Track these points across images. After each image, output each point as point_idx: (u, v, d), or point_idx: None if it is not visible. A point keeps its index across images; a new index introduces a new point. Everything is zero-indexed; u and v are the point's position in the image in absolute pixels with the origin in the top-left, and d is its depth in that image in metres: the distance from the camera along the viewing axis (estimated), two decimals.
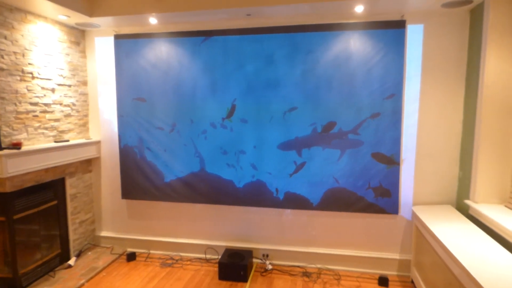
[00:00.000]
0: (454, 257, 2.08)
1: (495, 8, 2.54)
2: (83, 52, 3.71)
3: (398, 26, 3.01)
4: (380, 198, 3.19)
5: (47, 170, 3.20)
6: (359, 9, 2.95)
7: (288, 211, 3.47)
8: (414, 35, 3.05)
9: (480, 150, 2.68)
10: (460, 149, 3.08)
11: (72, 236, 3.59)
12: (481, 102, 2.66)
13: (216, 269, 3.44)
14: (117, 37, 3.55)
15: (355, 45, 3.09)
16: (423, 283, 2.76)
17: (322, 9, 2.96)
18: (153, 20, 3.31)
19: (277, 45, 3.24)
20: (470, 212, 2.76)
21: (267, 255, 3.54)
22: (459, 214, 2.83)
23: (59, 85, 3.38)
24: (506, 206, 2.62)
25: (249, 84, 3.34)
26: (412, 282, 3.13)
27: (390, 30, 3.02)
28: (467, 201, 2.79)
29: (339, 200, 3.27)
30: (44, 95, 3.20)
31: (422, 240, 2.81)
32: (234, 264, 3.20)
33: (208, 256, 3.69)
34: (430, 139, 3.12)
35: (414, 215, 3.02)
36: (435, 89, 3.07)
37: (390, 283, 3.15)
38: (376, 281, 3.18)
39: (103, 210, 3.91)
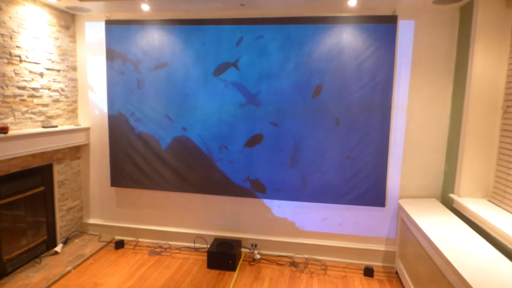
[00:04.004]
0: (438, 249, 2.13)
1: (484, 6, 2.58)
2: (73, 37, 3.64)
3: (390, 21, 3.04)
4: (368, 191, 3.24)
5: (34, 155, 3.16)
6: (352, 2, 2.97)
7: (277, 202, 3.50)
8: (405, 30, 3.09)
9: (465, 145, 2.74)
10: (446, 144, 3.15)
11: (59, 223, 3.56)
12: (468, 98, 2.72)
13: (205, 258, 3.46)
14: (108, 23, 3.49)
15: (347, 39, 3.11)
16: (407, 274, 2.83)
17: (315, 1, 2.97)
18: (145, 7, 3.27)
19: (271, 37, 3.24)
20: (455, 205, 2.83)
21: (256, 245, 3.58)
22: (443, 208, 2.90)
23: (48, 69, 3.32)
24: (489, 200, 2.69)
25: (242, 75, 3.33)
26: (396, 273, 3.21)
27: (382, 25, 3.05)
28: (452, 195, 2.86)
29: (328, 192, 3.31)
30: (32, 79, 3.14)
31: (407, 233, 2.88)
32: (223, 253, 3.22)
33: (197, 245, 3.71)
34: (418, 134, 3.18)
35: (400, 208, 3.08)
36: (424, 84, 3.12)
37: (375, 273, 3.22)
38: (362, 272, 3.25)
39: (91, 198, 3.88)
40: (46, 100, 3.31)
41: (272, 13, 3.26)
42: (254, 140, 3.39)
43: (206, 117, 3.44)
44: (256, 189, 3.44)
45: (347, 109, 3.19)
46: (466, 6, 2.85)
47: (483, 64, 2.63)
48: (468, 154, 2.74)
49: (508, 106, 2.52)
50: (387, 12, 3.08)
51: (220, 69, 3.36)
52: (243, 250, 3.60)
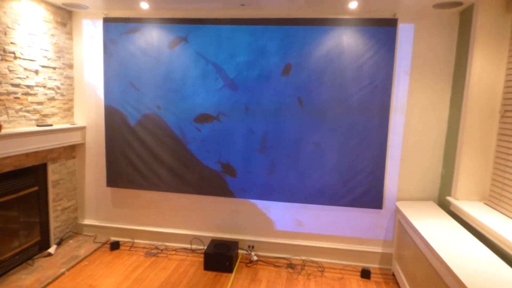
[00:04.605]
0: (435, 251, 2.15)
1: (484, 11, 2.61)
2: (69, 34, 3.57)
3: (390, 24, 3.05)
4: (366, 193, 3.25)
5: (28, 154, 3.09)
6: (353, 5, 2.97)
7: (274, 203, 3.49)
8: (405, 34, 3.11)
9: (463, 148, 2.77)
10: (444, 147, 3.17)
11: (53, 223, 3.49)
12: (466, 102, 2.74)
13: (202, 259, 3.43)
14: (106, 20, 3.44)
15: (347, 41, 3.11)
16: (404, 276, 2.84)
17: (316, 2, 2.97)
18: (144, 5, 3.22)
19: (270, 37, 3.23)
20: (451, 208, 2.85)
21: (253, 247, 3.56)
22: (440, 210, 2.92)
23: (43, 67, 3.25)
24: (485, 203, 2.72)
25: (241, 75, 3.31)
26: (393, 275, 3.23)
27: (382, 27, 3.06)
28: (449, 198, 2.88)
29: (326, 194, 3.32)
30: (27, 77, 3.07)
31: (404, 235, 2.89)
32: (220, 254, 3.20)
33: (193, 247, 3.68)
34: (416, 137, 3.20)
35: (397, 210, 3.10)
36: (423, 88, 3.14)
37: (372, 275, 3.23)
38: (359, 274, 3.26)
39: (86, 198, 3.82)
40: (41, 98, 3.25)
41: (272, 13, 3.25)
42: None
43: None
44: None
45: (346, 110, 3.19)
46: (466, 11, 2.88)
47: (482, 69, 2.65)
48: (465, 157, 2.77)
49: (505, 111, 2.55)
50: (387, 15, 3.09)
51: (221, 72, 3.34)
52: (240, 251, 3.58)
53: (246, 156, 3.40)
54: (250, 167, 3.41)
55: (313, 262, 3.46)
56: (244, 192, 3.45)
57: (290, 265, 3.37)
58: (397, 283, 3.09)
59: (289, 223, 3.50)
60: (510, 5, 2.54)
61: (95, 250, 3.52)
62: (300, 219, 3.48)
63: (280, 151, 3.34)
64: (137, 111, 3.50)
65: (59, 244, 3.53)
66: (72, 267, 3.17)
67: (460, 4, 2.76)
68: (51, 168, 3.41)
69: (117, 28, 3.43)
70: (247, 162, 3.41)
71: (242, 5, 3.12)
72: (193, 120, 3.43)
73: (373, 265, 3.40)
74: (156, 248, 3.65)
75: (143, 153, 3.54)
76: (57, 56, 3.41)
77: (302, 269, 3.31)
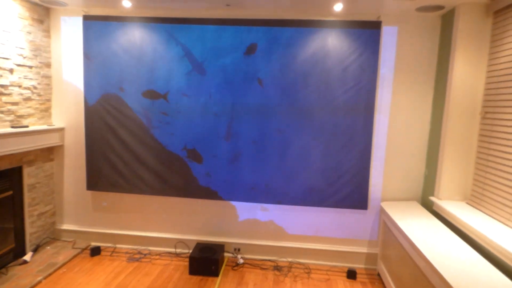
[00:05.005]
0: (420, 251, 2.17)
1: (465, 15, 2.67)
2: (47, 32, 3.43)
3: (374, 26, 3.08)
4: (351, 194, 3.27)
5: (1, 157, 2.93)
6: (338, 7, 2.99)
7: (260, 205, 3.46)
8: (389, 36, 3.15)
9: (445, 149, 2.82)
10: (427, 147, 3.23)
11: (28, 229, 3.33)
12: (448, 104, 2.80)
13: (187, 263, 3.36)
14: (86, 18, 3.32)
15: (332, 43, 3.13)
16: (389, 276, 2.87)
17: (301, 4, 2.96)
18: (126, 3, 3.13)
19: (256, 38, 3.20)
20: (434, 208, 2.90)
21: (239, 249, 3.52)
22: (424, 210, 2.97)
23: (19, 65, 3.10)
24: (467, 203, 2.78)
25: (226, 76, 3.27)
26: (378, 275, 3.25)
27: (367, 30, 3.09)
28: (432, 198, 2.93)
29: (311, 195, 3.31)
30: (1, 76, 2.92)
31: (389, 235, 2.92)
32: (206, 258, 3.14)
33: (178, 250, 3.59)
34: (400, 138, 3.25)
35: (382, 211, 3.13)
36: (406, 89, 3.19)
37: (357, 276, 3.24)
38: (345, 274, 3.26)
39: (65, 202, 3.67)
40: (16, 98, 3.10)
41: (258, 14, 3.23)
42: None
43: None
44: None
45: (331, 111, 3.20)
46: (447, 15, 2.94)
47: (463, 71, 2.72)
48: (447, 158, 2.82)
49: (486, 112, 2.62)
50: (371, 17, 3.13)
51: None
52: (226, 254, 3.53)
53: (224, 163, 3.37)
54: (230, 171, 3.37)
55: (299, 263, 3.44)
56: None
57: (277, 267, 3.34)
58: (383, 283, 3.11)
59: (274, 225, 3.47)
60: (489, 9, 2.61)
61: (74, 256, 3.38)
62: (285, 220, 3.45)
63: (268, 152, 3.31)
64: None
65: (35, 251, 3.37)
66: (50, 275, 3.03)
67: (441, 7, 2.82)
68: (26, 171, 3.26)
69: (97, 26, 3.31)
70: (227, 168, 3.37)
71: (228, 5, 3.08)
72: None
73: (358, 266, 3.42)
74: (139, 252, 3.55)
75: (124, 155, 3.43)
76: (33, 55, 3.27)
77: (289, 271, 3.29)
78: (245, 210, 3.49)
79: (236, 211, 3.49)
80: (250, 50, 3.21)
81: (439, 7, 2.81)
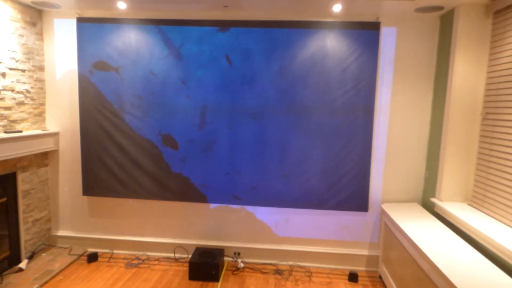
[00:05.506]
0: (423, 252, 2.15)
1: (465, 15, 2.66)
2: (40, 34, 3.35)
3: (373, 27, 3.06)
4: (351, 196, 3.24)
5: None
6: (337, 8, 2.96)
7: (260, 208, 3.42)
8: (388, 37, 3.13)
9: (446, 150, 2.81)
10: (427, 149, 3.22)
11: (23, 236, 3.25)
12: (448, 105, 2.79)
13: (186, 268, 3.31)
14: (80, 20, 3.25)
15: (331, 44, 3.10)
16: (391, 278, 2.85)
17: (300, 5, 2.93)
18: (122, 5, 3.07)
19: (254, 40, 3.16)
20: (436, 209, 2.89)
21: (239, 253, 3.48)
22: (425, 212, 2.95)
23: (11, 69, 3.03)
24: (469, 204, 2.77)
25: (224, 78, 3.23)
26: (380, 277, 3.23)
27: (365, 31, 3.07)
28: (433, 199, 2.92)
29: (311, 198, 3.28)
30: None
31: (390, 237, 2.90)
32: (205, 263, 3.09)
33: (177, 255, 3.54)
34: (400, 139, 3.23)
35: (383, 213, 3.11)
36: (405, 90, 3.17)
37: (359, 278, 3.22)
38: (346, 277, 3.24)
39: (60, 208, 3.59)
40: (8, 102, 3.02)
41: (256, 15, 3.19)
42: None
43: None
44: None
45: (330, 112, 3.17)
46: (446, 15, 2.93)
47: (463, 72, 2.70)
48: (448, 159, 2.81)
49: (487, 113, 2.61)
50: (370, 18, 3.10)
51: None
52: (226, 259, 3.49)
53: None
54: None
55: (300, 267, 3.41)
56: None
57: (278, 271, 3.31)
58: (385, 285, 3.09)
59: (275, 227, 3.44)
60: (489, 10, 2.60)
61: (71, 263, 3.31)
62: (286, 223, 3.42)
63: (267, 155, 3.28)
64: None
65: (30, 258, 3.30)
66: (46, 282, 2.96)
67: (441, 8, 2.80)
68: (21, 177, 3.18)
69: (91, 28, 3.25)
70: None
71: (225, 6, 3.04)
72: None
73: (360, 268, 3.39)
74: (138, 258, 3.49)
75: (121, 159, 3.37)
76: (26, 58, 3.19)
77: (290, 274, 3.26)
78: (246, 212, 3.45)
79: (236, 215, 3.45)
80: (248, 51, 3.17)
81: (439, 8, 2.80)
